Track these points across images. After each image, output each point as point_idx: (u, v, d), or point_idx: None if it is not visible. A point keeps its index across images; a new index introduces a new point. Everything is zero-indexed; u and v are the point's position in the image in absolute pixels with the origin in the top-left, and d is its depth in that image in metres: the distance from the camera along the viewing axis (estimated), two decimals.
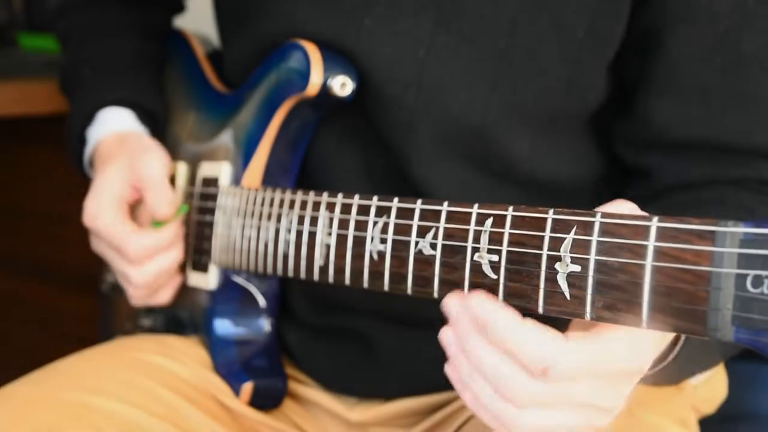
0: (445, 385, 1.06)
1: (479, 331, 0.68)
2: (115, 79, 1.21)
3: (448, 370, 0.74)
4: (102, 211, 1.07)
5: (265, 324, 1.09)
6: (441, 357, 1.05)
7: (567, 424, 0.68)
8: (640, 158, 0.98)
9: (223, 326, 1.08)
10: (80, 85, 1.22)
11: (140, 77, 1.24)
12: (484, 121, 0.97)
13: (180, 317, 1.16)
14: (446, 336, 0.72)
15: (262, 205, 0.98)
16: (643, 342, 0.67)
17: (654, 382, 0.78)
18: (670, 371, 0.77)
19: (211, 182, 1.09)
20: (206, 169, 1.11)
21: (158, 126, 1.21)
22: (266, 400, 1.07)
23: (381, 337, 1.06)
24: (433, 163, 0.99)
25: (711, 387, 1.09)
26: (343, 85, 0.98)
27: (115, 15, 1.28)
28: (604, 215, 0.62)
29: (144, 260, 1.07)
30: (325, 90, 0.98)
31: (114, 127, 1.17)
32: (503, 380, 0.68)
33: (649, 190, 0.98)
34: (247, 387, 1.05)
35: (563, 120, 0.99)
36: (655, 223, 0.58)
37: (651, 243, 0.58)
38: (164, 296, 1.13)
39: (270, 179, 1.05)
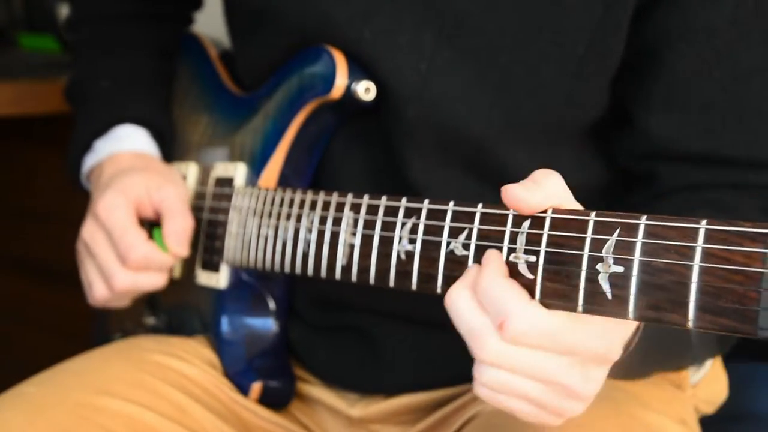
0: (447, 381, 1.08)
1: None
2: (135, 96, 1.23)
3: None
4: (121, 207, 1.07)
5: (274, 324, 1.09)
6: (442, 353, 1.07)
7: (532, 394, 0.71)
8: (642, 167, 1.00)
9: (233, 325, 1.08)
10: (96, 95, 1.23)
11: (157, 98, 1.25)
12: (485, 134, 0.98)
13: (184, 317, 1.17)
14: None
15: (281, 205, 0.99)
16: (614, 329, 0.70)
17: (615, 376, 0.78)
18: (630, 364, 0.78)
19: (226, 182, 1.10)
20: (220, 170, 1.12)
21: (164, 146, 1.23)
22: (275, 400, 1.08)
23: (383, 333, 1.07)
24: (434, 170, 1.00)
25: (711, 388, 1.11)
26: (367, 90, 0.99)
27: (132, 31, 1.29)
28: (650, 218, 0.63)
29: (139, 269, 1.07)
30: (349, 93, 0.99)
31: (134, 146, 1.18)
32: (474, 330, 0.71)
33: (653, 193, 0.99)
34: (257, 386, 1.06)
35: (563, 133, 1.01)
36: (704, 225, 0.60)
37: (699, 245, 0.60)
38: (123, 304, 1.13)
39: (285, 181, 1.06)
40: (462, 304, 0.72)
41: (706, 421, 1.10)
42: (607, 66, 0.97)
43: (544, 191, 0.72)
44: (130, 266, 1.06)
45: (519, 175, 0.99)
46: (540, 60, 0.96)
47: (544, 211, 0.71)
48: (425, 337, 1.07)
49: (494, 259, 0.73)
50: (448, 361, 1.08)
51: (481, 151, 0.99)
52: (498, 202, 0.75)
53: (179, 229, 1.08)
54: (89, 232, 1.09)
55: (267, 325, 1.09)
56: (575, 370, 0.70)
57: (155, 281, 1.08)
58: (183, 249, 1.08)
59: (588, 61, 0.96)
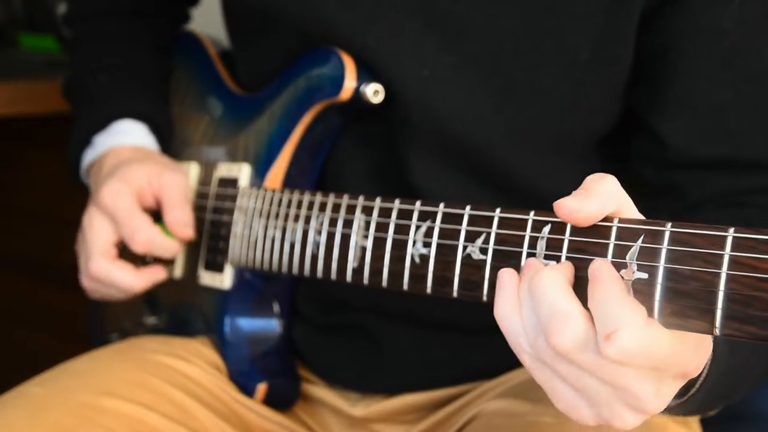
0: (448, 381, 1.08)
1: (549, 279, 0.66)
2: (133, 92, 1.23)
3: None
4: (125, 194, 1.08)
5: (277, 324, 1.09)
6: (444, 353, 1.08)
7: (595, 393, 0.65)
8: (661, 177, 0.98)
9: (237, 326, 1.08)
10: (94, 90, 1.23)
11: (156, 93, 1.25)
12: (488, 140, 0.98)
13: (186, 317, 1.16)
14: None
15: (288, 206, 0.98)
16: (705, 344, 0.66)
17: (676, 413, 0.76)
18: (694, 401, 0.74)
19: (229, 183, 1.10)
20: (223, 170, 1.11)
21: (163, 141, 1.23)
22: (280, 400, 1.08)
23: (385, 333, 1.08)
24: (437, 174, 1.01)
25: None
26: (376, 92, 0.99)
27: (129, 26, 1.29)
28: (675, 224, 0.63)
29: (145, 252, 1.08)
30: (357, 95, 0.99)
31: (133, 140, 1.18)
32: (558, 313, 0.65)
33: (678, 207, 0.97)
34: (262, 387, 1.06)
35: (569, 140, 1.00)
36: (731, 233, 0.60)
37: (727, 253, 0.60)
38: (116, 297, 1.13)
39: (290, 182, 1.06)
40: (554, 283, 0.66)
41: (706, 421, 1.10)
42: (614, 73, 0.97)
43: (599, 198, 0.67)
44: (137, 248, 1.07)
45: (523, 181, 1.00)
46: (542, 66, 0.96)
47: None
48: (427, 337, 1.08)
49: (610, 271, 0.65)
50: (450, 361, 1.09)
51: (484, 157, 0.99)
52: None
53: (180, 216, 1.08)
54: (88, 219, 1.10)
55: (270, 325, 1.09)
56: (649, 382, 0.64)
57: (129, 279, 1.08)
58: (189, 231, 1.09)
59: (592, 67, 0.96)
